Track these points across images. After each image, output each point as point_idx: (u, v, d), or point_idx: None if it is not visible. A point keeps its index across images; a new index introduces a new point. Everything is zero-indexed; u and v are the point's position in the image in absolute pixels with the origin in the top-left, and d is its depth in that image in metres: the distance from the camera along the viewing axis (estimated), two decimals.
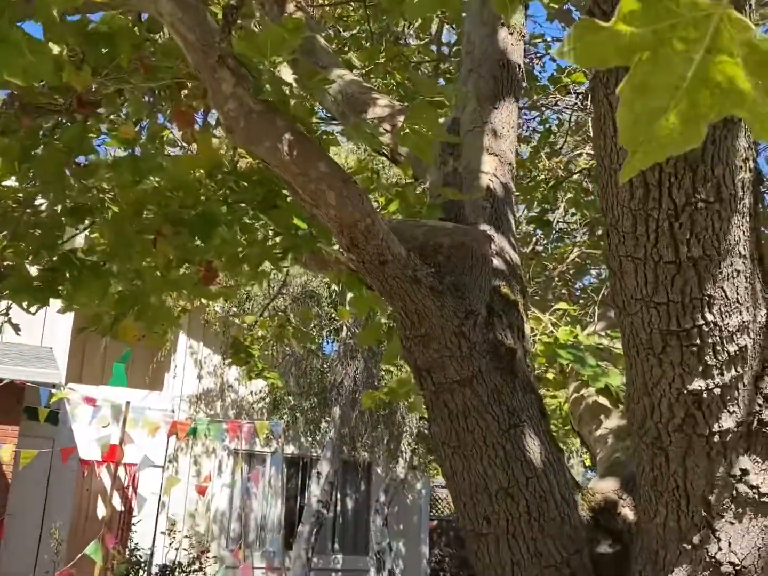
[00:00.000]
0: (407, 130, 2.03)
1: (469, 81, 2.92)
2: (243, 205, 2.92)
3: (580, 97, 5.72)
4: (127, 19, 2.51)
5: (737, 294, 1.66)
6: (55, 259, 2.78)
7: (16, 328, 3.51)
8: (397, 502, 15.02)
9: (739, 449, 1.80)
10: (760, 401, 1.78)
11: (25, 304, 2.77)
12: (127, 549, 10.39)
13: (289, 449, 14.54)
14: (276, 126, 1.95)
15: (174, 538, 10.87)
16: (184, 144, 3.32)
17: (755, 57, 0.56)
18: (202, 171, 2.79)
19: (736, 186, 1.56)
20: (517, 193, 5.53)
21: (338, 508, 15.02)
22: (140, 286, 3.19)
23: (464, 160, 2.77)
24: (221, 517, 14.01)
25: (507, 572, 2.30)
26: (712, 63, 0.58)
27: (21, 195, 2.85)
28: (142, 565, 10.09)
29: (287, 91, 2.00)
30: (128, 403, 10.77)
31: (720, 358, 1.70)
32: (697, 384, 1.72)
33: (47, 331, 12.70)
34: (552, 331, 3.33)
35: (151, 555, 10.54)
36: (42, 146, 2.67)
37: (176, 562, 10.48)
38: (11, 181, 2.94)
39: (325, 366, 14.49)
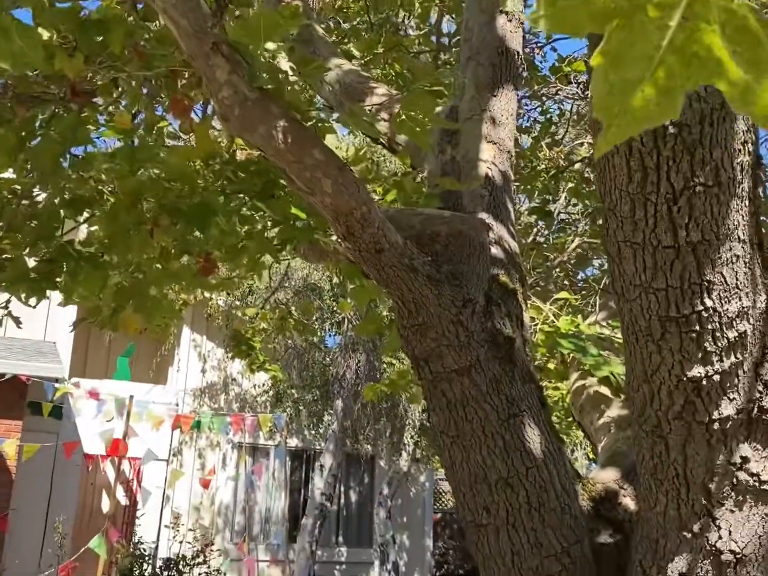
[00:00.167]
0: (403, 117, 2.01)
1: (467, 69, 2.90)
2: (241, 195, 2.90)
3: (581, 86, 5.68)
4: (123, 8, 2.50)
5: (737, 279, 1.64)
6: (52, 250, 2.76)
7: (17, 320, 3.50)
8: (400, 494, 15.03)
9: (739, 437, 1.78)
10: (760, 388, 1.76)
11: (23, 295, 2.75)
12: (131, 542, 10.42)
13: (293, 442, 14.56)
14: (271, 113, 1.92)
15: (178, 531, 10.89)
16: (183, 135, 3.30)
17: (733, 23, 0.54)
18: (199, 161, 2.77)
19: (734, 169, 1.54)
20: (517, 183, 5.51)
21: (342, 500, 15.04)
22: (139, 278, 3.18)
23: (462, 148, 2.75)
24: (225, 511, 14.04)
25: (507, 562, 2.29)
26: (688, 31, 0.56)
27: (18, 186, 2.84)
28: (147, 558, 10.11)
29: (282, 79, 1.97)
30: (131, 397, 10.79)
31: (719, 344, 1.68)
32: (697, 371, 1.71)
33: (50, 326, 12.71)
34: (553, 321, 3.31)
35: (156, 548, 10.56)
36: (38, 137, 2.66)
37: (180, 556, 10.49)
38: (8, 173, 2.92)
39: (327, 359, 14.49)
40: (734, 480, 1.81)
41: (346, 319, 14.13)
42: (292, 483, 14.54)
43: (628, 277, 1.69)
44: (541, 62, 6.58)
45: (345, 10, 6.16)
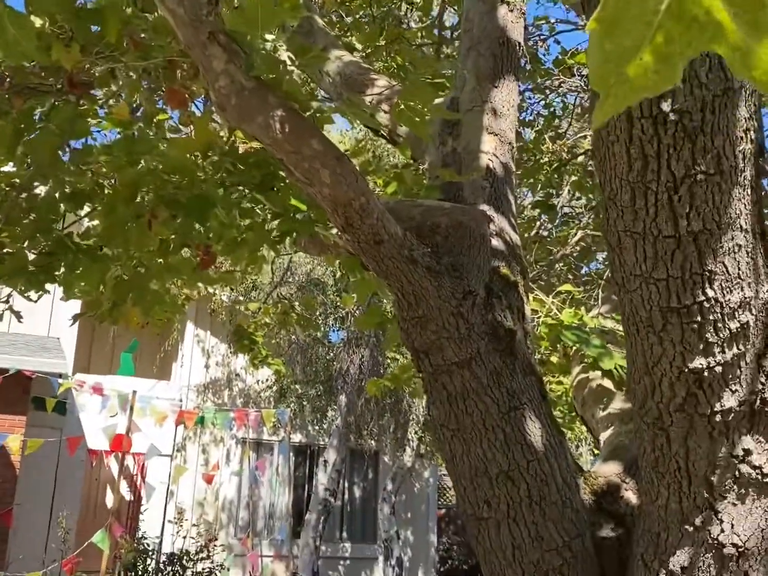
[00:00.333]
0: (402, 107, 1.99)
1: (468, 59, 2.87)
2: (240, 187, 2.88)
3: (585, 79, 5.64)
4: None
5: (739, 269, 1.62)
6: (50, 243, 2.75)
7: (18, 315, 3.50)
8: (404, 490, 15.04)
9: (741, 429, 1.76)
10: (762, 379, 1.74)
11: (20, 288, 2.74)
12: (135, 538, 10.43)
13: (297, 438, 14.56)
14: (268, 103, 1.91)
15: (182, 526, 10.90)
16: (183, 128, 3.29)
17: None
18: (198, 154, 2.75)
19: (736, 157, 1.52)
20: (519, 172, 5.48)
21: (346, 496, 15.05)
22: (138, 272, 3.16)
23: (463, 139, 2.72)
24: (229, 506, 14.06)
25: (508, 556, 2.28)
26: None
27: (16, 179, 2.83)
28: (150, 553, 10.12)
29: (280, 68, 1.95)
30: (135, 392, 10.80)
31: (721, 335, 1.66)
32: (698, 362, 1.68)
33: (54, 322, 12.73)
34: (556, 314, 3.29)
35: (159, 543, 10.57)
36: (37, 130, 2.64)
37: (184, 551, 10.50)
38: (8, 167, 2.91)
39: (330, 354, 14.49)
40: (736, 473, 1.79)
41: (349, 314, 14.12)
42: (295, 478, 14.56)
43: (628, 267, 1.67)
44: (544, 55, 6.54)
45: (347, 3, 6.13)
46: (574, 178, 5.77)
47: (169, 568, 10.30)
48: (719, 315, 1.64)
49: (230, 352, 13.63)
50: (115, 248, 2.78)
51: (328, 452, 13.49)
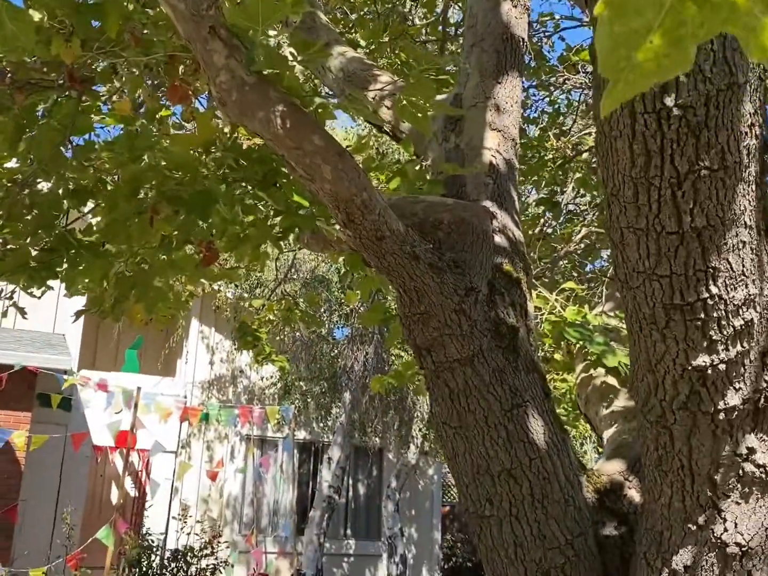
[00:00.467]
0: (404, 102, 1.97)
1: (471, 55, 2.85)
2: (243, 184, 2.88)
3: (589, 76, 5.61)
4: None
5: (743, 266, 1.60)
6: (52, 239, 2.74)
7: (22, 311, 3.50)
8: (408, 487, 15.04)
9: (745, 427, 1.74)
10: (767, 377, 1.73)
11: (22, 285, 2.74)
12: (139, 534, 10.46)
13: (301, 434, 14.57)
14: (269, 98, 1.90)
15: (186, 523, 10.92)
16: (186, 124, 3.28)
17: None
18: (201, 149, 2.75)
19: (741, 153, 1.50)
20: (524, 174, 5.45)
21: (350, 493, 15.05)
22: (141, 268, 3.16)
23: (466, 135, 2.71)
24: (234, 503, 14.08)
25: (510, 554, 2.27)
26: None
27: (19, 175, 2.82)
28: (155, 549, 10.14)
29: (281, 63, 1.94)
30: (139, 388, 10.81)
31: (725, 332, 1.64)
32: (702, 360, 1.67)
33: (60, 318, 12.75)
34: (560, 311, 3.27)
35: (164, 540, 10.60)
36: (39, 125, 2.64)
37: (188, 547, 10.52)
38: (11, 163, 2.91)
39: (335, 351, 14.48)
40: (740, 471, 1.77)
41: (353, 311, 14.12)
42: (300, 475, 14.57)
43: (631, 263, 1.65)
44: (549, 52, 6.52)
45: (351, 0, 6.12)
46: (578, 175, 5.74)
47: (173, 565, 10.32)
48: (723, 312, 1.63)
49: (235, 349, 13.62)
50: (117, 244, 2.78)
51: (332, 449, 13.49)
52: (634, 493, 2.48)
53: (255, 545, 11.73)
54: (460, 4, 5.55)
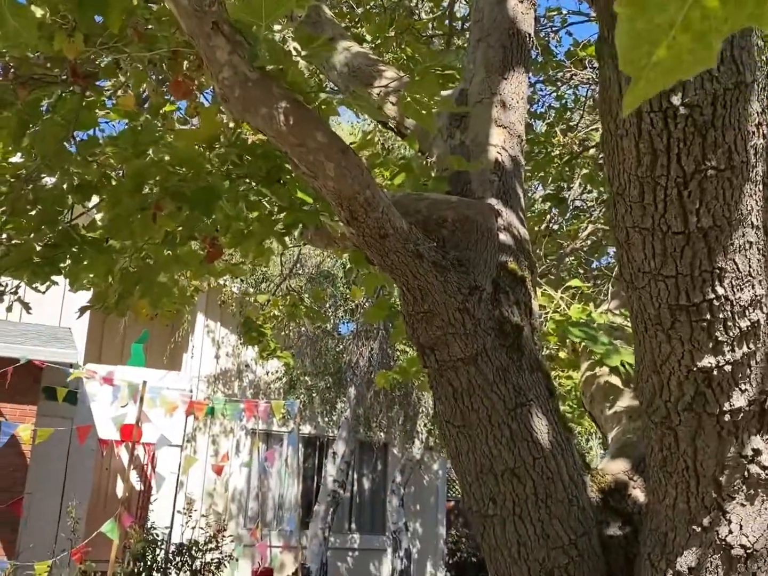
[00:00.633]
0: (408, 99, 1.96)
1: (477, 50, 2.83)
2: (247, 180, 2.86)
3: (596, 71, 5.57)
4: None
5: (749, 267, 1.59)
6: (56, 235, 2.74)
7: (27, 306, 3.50)
8: (413, 482, 15.05)
9: (751, 429, 1.73)
10: None
11: (25, 280, 2.73)
12: (144, 527, 10.49)
13: (306, 429, 14.59)
14: (272, 94, 1.88)
15: (191, 517, 10.95)
16: (189, 119, 3.27)
17: None
18: (204, 145, 2.73)
19: (748, 152, 1.48)
20: (528, 168, 5.42)
21: (355, 488, 15.07)
22: (145, 264, 3.16)
23: (471, 132, 2.69)
24: (239, 497, 14.11)
25: (513, 554, 2.26)
26: None
27: (23, 170, 2.82)
28: (159, 543, 10.16)
29: (284, 59, 1.93)
30: (145, 382, 10.83)
31: (731, 333, 1.63)
32: (707, 361, 1.65)
33: (66, 312, 12.78)
34: (564, 309, 3.26)
35: (169, 533, 10.62)
36: (42, 121, 2.63)
37: (193, 541, 10.55)
38: (15, 158, 2.90)
39: (340, 346, 14.49)
40: (745, 473, 1.76)
41: (359, 307, 14.11)
42: (305, 470, 14.59)
43: (636, 263, 1.63)
44: (556, 47, 6.47)
45: None
46: (585, 171, 5.71)
47: (178, 558, 10.34)
48: (729, 313, 1.61)
49: (240, 344, 13.64)
50: (120, 240, 2.77)
51: (337, 444, 13.51)
52: (638, 493, 2.46)
53: (260, 539, 11.75)
54: None
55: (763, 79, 1.49)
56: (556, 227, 6.10)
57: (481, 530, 2.35)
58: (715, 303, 1.59)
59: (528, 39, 2.87)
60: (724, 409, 1.70)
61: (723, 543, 1.82)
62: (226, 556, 10.58)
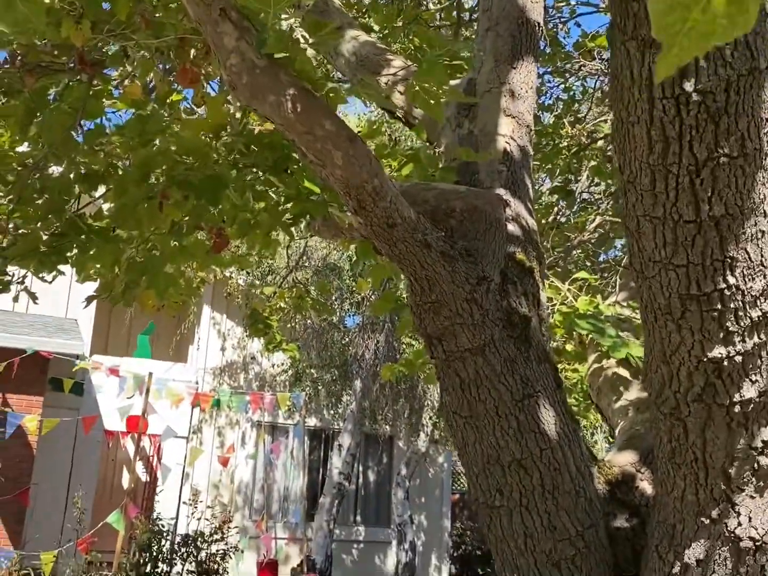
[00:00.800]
0: (417, 88, 1.94)
1: (486, 40, 2.81)
2: (254, 170, 2.85)
3: (605, 62, 5.54)
4: None
5: (761, 256, 1.57)
6: (62, 224, 2.73)
7: (33, 296, 3.50)
8: (418, 475, 15.06)
9: (761, 420, 1.71)
10: None
11: (32, 269, 2.73)
12: (150, 518, 10.52)
13: (311, 422, 14.61)
14: (280, 82, 1.87)
15: (197, 508, 10.98)
16: (196, 108, 3.26)
17: None
18: (211, 134, 2.72)
19: (761, 140, 1.46)
20: (537, 162, 5.40)
21: (360, 480, 15.10)
22: (152, 254, 3.15)
23: (480, 121, 2.67)
24: (244, 488, 14.15)
25: (519, 545, 2.25)
26: None
27: (30, 159, 2.81)
28: (165, 534, 10.19)
29: (292, 47, 1.91)
30: (151, 374, 10.85)
31: (742, 323, 1.61)
32: (718, 351, 1.64)
33: (72, 304, 12.81)
34: (571, 301, 3.24)
35: (174, 524, 10.65)
36: (49, 109, 2.62)
37: (198, 532, 10.58)
38: (22, 147, 2.90)
39: (346, 339, 14.49)
40: (755, 465, 1.75)
41: (365, 299, 14.11)
42: (310, 462, 14.61)
43: (647, 253, 1.62)
44: (564, 38, 6.43)
45: None
46: (593, 163, 5.68)
47: (183, 549, 10.37)
48: (740, 303, 1.59)
49: (246, 336, 13.66)
50: (126, 229, 2.77)
51: (342, 436, 13.53)
52: (646, 485, 2.45)
53: (265, 531, 11.78)
54: None
55: None
56: (563, 220, 6.07)
57: (488, 521, 2.35)
58: (726, 293, 1.58)
59: (537, 28, 2.85)
60: (734, 400, 1.69)
61: (732, 535, 1.81)
62: (231, 548, 10.61)
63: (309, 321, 13.49)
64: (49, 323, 12.01)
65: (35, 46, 2.24)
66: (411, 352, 5.40)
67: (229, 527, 10.77)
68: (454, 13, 5.53)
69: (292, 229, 3.16)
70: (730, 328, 1.62)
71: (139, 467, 11.37)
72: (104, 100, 2.85)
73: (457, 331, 2.23)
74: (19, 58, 2.26)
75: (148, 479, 12.88)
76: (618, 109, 1.52)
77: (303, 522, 12.79)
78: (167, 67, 3.14)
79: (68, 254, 2.81)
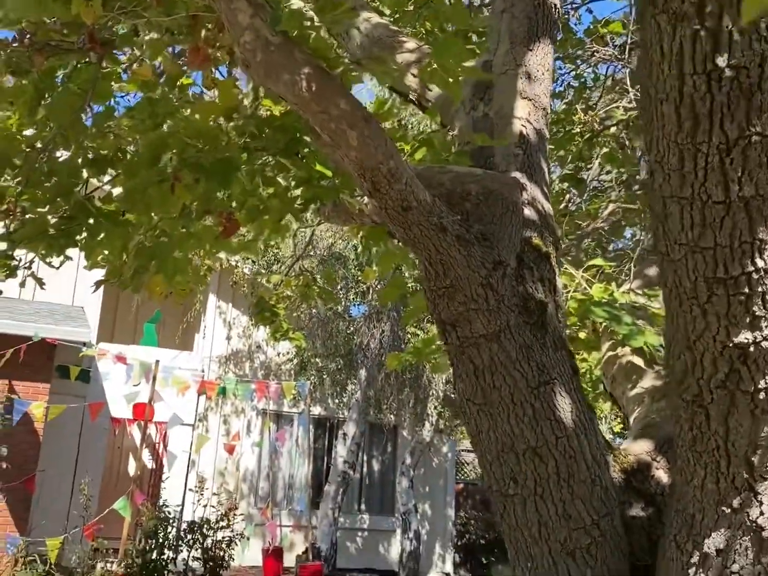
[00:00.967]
0: (435, 66, 1.90)
1: (501, 22, 2.76)
2: (264, 154, 2.81)
3: (618, 48, 5.48)
4: None
5: None
6: (71, 207, 2.70)
7: (40, 281, 3.47)
8: (423, 464, 15.07)
9: None
10: None
11: (41, 253, 2.70)
12: (156, 505, 10.54)
13: (316, 410, 14.62)
14: (295, 60, 1.83)
15: (203, 495, 11.00)
16: (206, 91, 3.22)
17: None
18: (222, 117, 2.68)
19: None
20: (552, 147, 5.34)
21: (364, 469, 15.12)
22: (161, 240, 3.12)
23: (495, 104, 2.62)
24: (250, 476, 14.18)
25: (534, 534, 2.22)
26: None
27: (38, 141, 2.77)
28: (171, 521, 10.21)
29: (307, 23, 1.87)
30: (157, 362, 10.86)
31: None
32: (744, 337, 1.60)
33: (79, 291, 12.81)
34: (586, 289, 3.20)
35: (180, 511, 10.67)
36: (58, 91, 2.59)
37: (204, 519, 10.60)
38: (29, 131, 2.86)
39: (351, 328, 14.48)
40: None
41: (370, 289, 14.08)
42: (315, 450, 14.63)
43: (673, 235, 1.58)
44: (576, 24, 6.37)
45: None
46: (605, 150, 5.62)
47: (189, 536, 10.40)
48: None
49: (252, 324, 13.65)
50: (136, 213, 2.73)
51: (347, 425, 13.54)
52: (661, 474, 2.42)
53: (270, 518, 11.81)
54: None
55: None
56: (573, 208, 6.02)
57: (502, 510, 2.31)
58: (754, 276, 1.54)
59: (554, 9, 2.79)
60: (760, 386, 1.65)
61: (753, 525, 1.78)
62: (237, 535, 10.63)
63: (314, 310, 13.47)
64: (56, 310, 12.01)
65: (44, 24, 2.20)
66: (420, 340, 5.37)
67: (234, 514, 10.79)
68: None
69: (302, 214, 3.12)
70: (756, 313, 1.57)
71: (146, 454, 11.40)
72: (113, 83, 2.81)
73: (472, 317, 2.19)
74: (28, 36, 2.22)
75: (154, 466, 12.91)
76: (646, 86, 1.48)
77: (308, 510, 12.82)
78: (176, 51, 3.10)
79: (77, 238, 2.77)
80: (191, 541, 10.39)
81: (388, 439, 15.37)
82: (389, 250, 3.44)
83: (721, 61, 1.34)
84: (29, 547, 9.40)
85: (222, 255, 4.47)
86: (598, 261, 3.64)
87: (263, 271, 13.82)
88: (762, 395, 1.66)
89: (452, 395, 14.56)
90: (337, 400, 14.72)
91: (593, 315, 2.83)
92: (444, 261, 2.12)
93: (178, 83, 2.98)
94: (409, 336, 13.71)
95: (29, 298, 12.01)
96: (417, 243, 2.09)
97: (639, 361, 2.93)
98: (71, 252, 3.02)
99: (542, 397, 2.22)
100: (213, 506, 10.94)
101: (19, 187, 2.62)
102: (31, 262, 3.54)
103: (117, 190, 3.06)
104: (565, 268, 3.49)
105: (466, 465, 20.22)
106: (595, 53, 5.59)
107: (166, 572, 9.75)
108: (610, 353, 3.01)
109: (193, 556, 10.39)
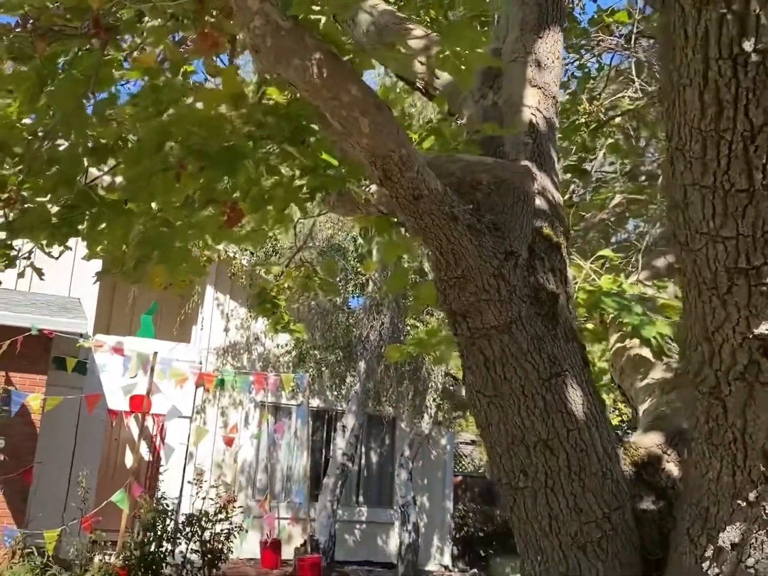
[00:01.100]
0: (447, 52, 1.86)
1: (513, 8, 2.72)
2: (269, 142, 2.77)
3: (623, 37, 5.43)
4: None
5: None
6: (73, 195, 2.66)
7: (39, 272, 3.43)
8: (421, 456, 15.07)
9: None
10: None
11: (43, 242, 2.66)
12: (154, 498, 10.51)
13: (315, 402, 14.59)
14: (305, 45, 1.79)
15: (201, 487, 10.96)
16: (210, 78, 3.17)
17: None
18: (226, 105, 2.64)
19: None
20: (559, 136, 5.30)
21: (363, 461, 15.11)
22: (163, 229, 3.08)
23: (505, 92, 2.59)
24: (248, 468, 14.16)
25: (544, 527, 2.20)
26: None
27: (40, 128, 2.73)
28: (169, 513, 10.18)
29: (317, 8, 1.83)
30: (156, 353, 10.82)
31: None
32: (765, 328, 1.57)
33: (75, 282, 12.75)
34: (594, 279, 3.17)
35: (178, 504, 10.65)
36: (60, 77, 2.54)
37: (202, 512, 10.57)
38: (30, 119, 2.82)
39: (350, 320, 14.44)
40: None
41: (370, 281, 14.05)
42: (313, 443, 14.61)
43: (693, 224, 1.55)
44: (580, 14, 6.31)
45: None
46: (610, 140, 5.57)
47: (187, 529, 10.37)
48: None
49: (250, 316, 13.61)
50: (139, 202, 2.69)
51: (346, 417, 13.52)
52: (672, 467, 2.40)
53: (268, 511, 11.79)
54: None
55: None
56: (576, 199, 5.98)
57: (511, 503, 2.29)
58: None
59: None
60: None
61: None
62: (235, 527, 10.61)
63: (313, 302, 13.43)
64: (53, 302, 11.95)
65: (48, 9, 2.16)
66: (424, 330, 5.33)
67: (233, 507, 10.77)
68: None
69: (307, 204, 3.09)
70: None
71: (143, 446, 11.36)
72: (115, 70, 2.76)
73: (483, 308, 2.16)
74: (31, 21, 2.17)
75: (152, 458, 12.88)
76: (669, 71, 1.44)
77: (306, 502, 12.81)
78: (177, 39, 3.05)
79: (80, 227, 2.73)
80: (189, 534, 10.37)
81: (387, 432, 15.36)
82: (393, 241, 3.41)
83: (748, 45, 1.31)
84: (27, 539, 9.37)
85: (221, 246, 4.43)
86: (607, 252, 3.61)
87: (261, 262, 13.77)
88: None
89: (451, 388, 14.56)
90: (335, 392, 14.69)
91: (604, 306, 2.80)
92: (455, 251, 2.09)
93: (181, 70, 2.94)
94: (408, 328, 13.69)
95: (26, 289, 11.95)
96: (428, 232, 2.06)
97: (647, 353, 2.91)
98: (75, 237, 2.99)
99: (553, 389, 2.19)
100: (211, 499, 10.91)
101: (20, 176, 2.58)
102: (30, 252, 3.50)
103: (118, 180, 3.03)
104: (573, 259, 3.46)
105: (464, 457, 20.23)
106: (601, 42, 5.54)
107: (164, 565, 9.73)
108: (618, 345, 2.99)
109: (191, 549, 10.37)
